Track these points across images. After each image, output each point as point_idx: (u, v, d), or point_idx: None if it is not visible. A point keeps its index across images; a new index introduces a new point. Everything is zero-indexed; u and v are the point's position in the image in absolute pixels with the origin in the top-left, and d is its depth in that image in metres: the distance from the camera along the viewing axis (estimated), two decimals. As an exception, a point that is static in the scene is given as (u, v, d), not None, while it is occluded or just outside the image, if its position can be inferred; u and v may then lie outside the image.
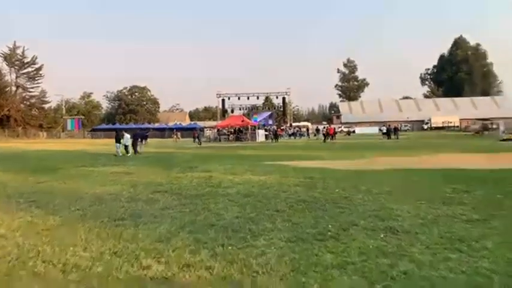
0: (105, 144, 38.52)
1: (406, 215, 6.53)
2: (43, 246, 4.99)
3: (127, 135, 23.30)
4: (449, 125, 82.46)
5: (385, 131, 42.54)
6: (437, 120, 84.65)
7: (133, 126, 73.44)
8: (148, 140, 42.65)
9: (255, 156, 20.64)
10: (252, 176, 11.92)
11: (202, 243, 5.07)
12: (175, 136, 47.95)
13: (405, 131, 73.23)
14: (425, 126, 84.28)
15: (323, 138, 38.66)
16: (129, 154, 22.35)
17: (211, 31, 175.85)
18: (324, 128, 41.92)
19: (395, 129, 42.91)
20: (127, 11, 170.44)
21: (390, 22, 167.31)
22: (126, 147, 22.74)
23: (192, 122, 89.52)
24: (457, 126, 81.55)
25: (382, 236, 5.38)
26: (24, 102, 72.60)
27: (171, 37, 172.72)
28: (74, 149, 31.21)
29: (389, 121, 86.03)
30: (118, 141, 22.62)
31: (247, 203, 7.67)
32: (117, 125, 79.17)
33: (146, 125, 74.82)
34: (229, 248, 4.86)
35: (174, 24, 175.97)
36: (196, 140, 40.83)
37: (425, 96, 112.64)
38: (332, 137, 39.75)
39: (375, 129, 75.09)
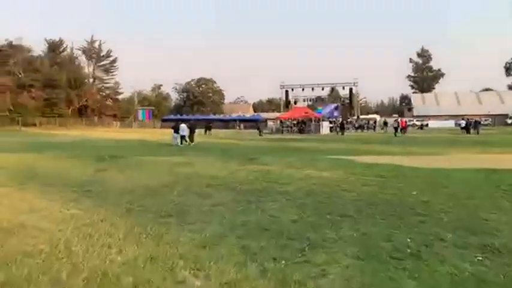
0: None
1: (505, 229, 5.20)
2: (76, 246, 4.52)
3: (183, 126, 23.29)
4: (537, 119, 73.84)
5: (463, 125, 38.72)
6: (522, 114, 76.14)
7: (200, 117, 75.18)
8: (213, 130, 43.36)
9: (318, 149, 19.51)
10: (313, 171, 10.93)
11: (251, 254, 4.28)
12: (238, 127, 48.04)
13: (485, 125, 66.78)
14: (510, 121, 76.17)
15: (394, 132, 36.13)
16: (186, 143, 22.40)
17: (275, 20, 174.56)
18: (395, 120, 39.10)
19: (476, 123, 38.90)
20: (197, 8, 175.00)
21: (467, 5, 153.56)
22: (183, 137, 22.83)
23: (255, 114, 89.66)
24: (546, 120, 72.84)
25: (479, 257, 4.19)
26: (100, 93, 77.50)
27: (236, 28, 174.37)
28: (142, 138, 32.23)
29: (467, 115, 79.40)
30: (176, 131, 22.80)
31: (307, 204, 6.75)
32: (184, 116, 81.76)
33: (211, 116, 76.28)
34: (283, 262, 4.01)
35: (239, 16, 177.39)
36: (258, 131, 40.55)
37: (510, 88, 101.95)
38: (403, 130, 37.05)
39: (450, 123, 69.50)
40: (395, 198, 7.15)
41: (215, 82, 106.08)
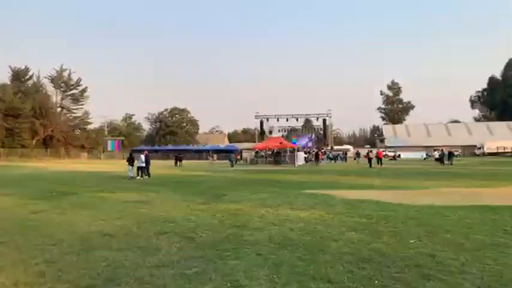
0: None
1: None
2: None
3: (142, 157, 21.48)
4: (505, 150, 75.74)
5: (437, 156, 38.47)
6: (491, 146, 77.92)
7: (171, 147, 73.11)
8: (184, 161, 41.47)
9: (295, 182, 18.07)
10: (290, 211, 9.40)
11: None
12: (211, 158, 46.29)
13: (456, 156, 67.72)
14: (478, 152, 77.89)
15: (368, 163, 35.29)
16: (140, 177, 20.61)
17: (249, 53, 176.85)
18: (371, 151, 38.38)
19: (450, 154, 38.72)
20: (168, 37, 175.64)
21: (434, 44, 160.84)
22: (141, 169, 20.95)
23: (230, 144, 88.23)
24: (513, 152, 74.85)
25: None
26: (68, 123, 74.29)
27: (211, 59, 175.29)
28: (106, 170, 29.95)
29: (437, 146, 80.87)
30: (131, 163, 20.82)
31: (282, 262, 5.17)
32: (156, 147, 79.32)
33: (183, 147, 74.26)
34: None
35: (215, 46, 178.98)
36: (230, 162, 38.97)
37: (477, 120, 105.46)
38: (379, 161, 36.29)
39: (421, 154, 70.15)
40: (392, 251, 5.68)
41: (189, 112, 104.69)
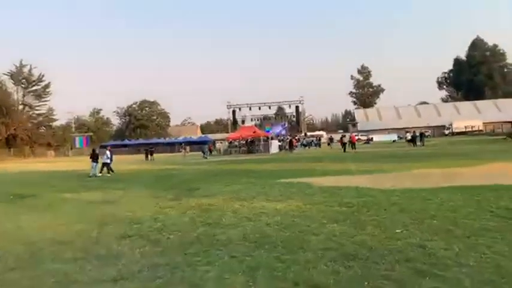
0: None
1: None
2: None
3: (108, 152, 20.46)
4: (473, 129, 78.12)
5: (409, 137, 38.89)
6: (459, 125, 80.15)
7: (142, 141, 71.27)
8: (156, 155, 40.23)
9: (270, 171, 17.54)
10: (266, 203, 8.82)
11: None
12: (183, 150, 45.14)
13: (426, 137, 69.26)
14: (447, 132, 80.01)
15: (342, 148, 35.29)
16: (107, 174, 19.66)
17: (220, 41, 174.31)
18: (345, 136, 38.40)
19: (422, 135, 39.27)
20: (134, 24, 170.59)
21: (400, 27, 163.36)
22: (104, 165, 19.96)
23: (203, 135, 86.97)
24: (481, 131, 77.27)
25: None
26: (32, 120, 70.83)
27: (181, 49, 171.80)
28: (73, 168, 28.50)
29: (407, 127, 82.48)
30: (95, 159, 19.75)
31: (259, 265, 4.58)
32: (126, 141, 77.15)
33: (154, 140, 72.53)
34: None
35: (183, 35, 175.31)
36: (202, 154, 38.15)
37: (444, 101, 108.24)
38: (353, 146, 36.36)
39: (393, 137, 71.35)
40: (379, 243, 5.19)
41: (159, 104, 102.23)
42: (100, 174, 19.62)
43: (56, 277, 4.57)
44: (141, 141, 72.05)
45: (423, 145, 37.60)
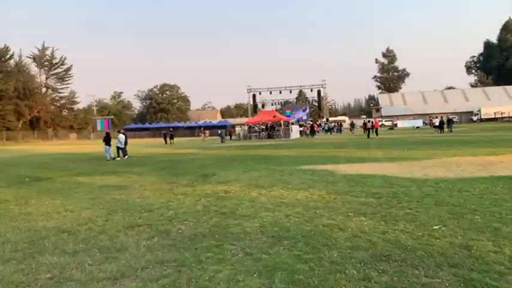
0: (132, 145, 36.02)
1: None
2: None
3: (121, 136, 20.19)
4: (503, 115, 74.87)
5: (437, 123, 37.32)
6: (488, 111, 76.93)
7: (162, 125, 71.55)
8: (175, 139, 40.13)
9: (290, 157, 16.88)
10: (285, 191, 8.21)
11: None
12: (203, 135, 44.92)
13: (454, 123, 66.88)
14: (475, 118, 77.08)
15: (367, 133, 34.19)
16: (119, 158, 19.50)
17: (240, 25, 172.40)
18: (369, 121, 37.18)
19: (450, 121, 37.64)
20: (155, 11, 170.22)
21: (425, 9, 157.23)
22: (119, 149, 19.75)
23: (223, 120, 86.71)
24: (510, 117, 74.00)
25: None
26: (54, 103, 72.08)
27: (201, 34, 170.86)
28: (92, 151, 28.55)
29: (434, 113, 79.93)
30: (108, 143, 19.53)
31: (277, 265, 3.99)
32: (147, 125, 77.70)
33: (175, 124, 72.73)
34: None
35: (201, 21, 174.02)
36: (220, 138, 37.85)
37: (473, 86, 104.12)
38: (376, 131, 35.16)
39: (418, 122, 69.20)
40: (415, 242, 4.51)
41: (179, 88, 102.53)
42: (118, 158, 19.43)
43: (52, 272, 4.12)
44: (161, 124, 72.35)
45: (451, 131, 36.09)
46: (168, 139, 37.07)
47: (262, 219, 5.89)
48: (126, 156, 19.61)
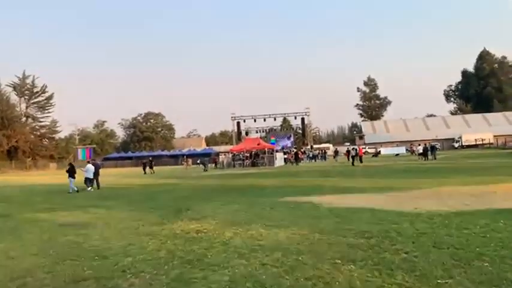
0: (109, 175, 34.58)
1: None
2: None
3: (90, 166, 19.28)
4: (483, 142, 75.92)
5: (421, 150, 37.07)
6: (469, 138, 77.99)
7: (145, 154, 70.17)
8: (157, 167, 38.88)
9: (274, 187, 15.99)
10: (264, 230, 7.29)
11: None
12: (185, 163, 43.77)
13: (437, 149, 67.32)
14: (456, 145, 77.87)
15: (351, 161, 33.67)
16: (89, 189, 18.49)
17: (225, 55, 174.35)
18: (353, 148, 36.76)
19: (433, 148, 37.48)
20: (139, 38, 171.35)
21: (403, 40, 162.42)
22: (87, 180, 18.66)
23: (207, 147, 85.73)
24: (491, 144, 75.10)
25: None
26: (34, 132, 70.12)
27: (186, 63, 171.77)
28: (66, 182, 27.07)
29: (416, 140, 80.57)
30: (71, 175, 18.46)
31: None
32: (130, 153, 76.11)
33: (158, 152, 71.42)
34: None
35: (185, 49, 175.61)
36: (202, 166, 36.83)
37: (453, 114, 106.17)
38: (360, 159, 34.65)
39: (401, 150, 69.40)
40: (419, 302, 3.65)
41: (164, 116, 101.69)
42: (89, 189, 18.33)
43: None
44: (144, 153, 70.91)
45: (435, 158, 35.85)
46: (147, 168, 35.64)
47: (233, 269, 4.94)
48: (90, 188, 18.56)
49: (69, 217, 10.37)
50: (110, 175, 35.86)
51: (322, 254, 5.44)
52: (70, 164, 19.58)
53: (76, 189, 18.04)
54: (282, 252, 5.60)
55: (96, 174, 19.66)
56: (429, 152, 36.32)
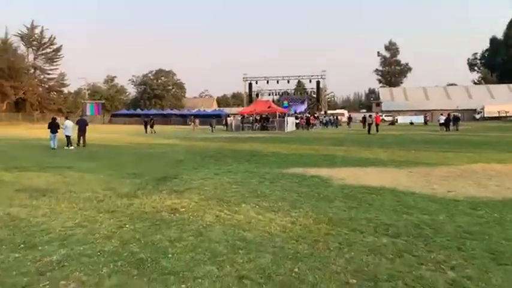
0: (112, 132, 33.38)
1: None
2: None
3: (69, 123, 17.96)
4: (507, 114, 72.30)
5: (442, 120, 34.62)
6: (491, 110, 74.25)
7: (154, 112, 68.80)
8: (165, 127, 37.47)
9: (279, 155, 14.29)
10: (256, 214, 5.64)
11: None
12: (192, 123, 42.19)
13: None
14: (478, 116, 74.40)
15: (367, 129, 31.62)
16: (71, 147, 17.16)
17: (241, 12, 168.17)
18: (370, 116, 34.54)
19: (456, 119, 35.04)
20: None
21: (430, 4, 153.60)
22: (67, 137, 17.43)
23: (217, 109, 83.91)
24: (515, 116, 71.55)
25: None
26: (42, 85, 68.78)
27: (199, 20, 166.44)
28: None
29: (435, 110, 77.34)
30: (54, 130, 17.18)
31: None
32: (139, 111, 74.79)
33: (167, 111, 70.02)
34: None
35: (201, 7, 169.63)
36: (211, 127, 35.33)
37: (476, 83, 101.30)
38: (376, 127, 32.51)
39: (419, 119, 66.58)
40: None
41: (175, 74, 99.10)
42: (72, 148, 17.06)
43: None
44: (152, 111, 69.48)
45: (457, 130, 33.56)
46: (148, 128, 33.75)
47: (195, 284, 3.32)
48: (71, 146, 17.22)
49: (35, 179, 8.90)
50: (112, 132, 34.76)
51: (328, 263, 3.77)
52: (53, 118, 18.12)
53: (54, 145, 16.93)
54: (272, 257, 3.94)
55: (82, 131, 18.40)
56: (451, 123, 34.02)
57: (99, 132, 34.52)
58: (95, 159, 13.12)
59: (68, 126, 17.73)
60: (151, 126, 33.50)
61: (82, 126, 18.66)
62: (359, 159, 12.59)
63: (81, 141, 18.36)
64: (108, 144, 19.58)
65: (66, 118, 19.77)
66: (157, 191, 7.35)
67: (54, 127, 17.15)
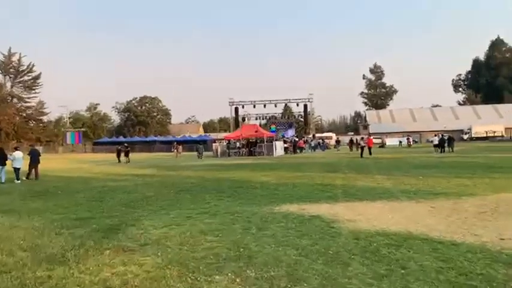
0: (86, 161, 30.98)
1: None
2: None
3: (18, 153, 16.26)
4: (495, 134, 72.10)
5: (436, 141, 33.14)
6: (479, 130, 74.16)
7: (137, 139, 66.45)
8: (146, 154, 35.19)
9: (268, 186, 12.22)
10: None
11: None
12: (175, 150, 40.01)
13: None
14: (465, 137, 73.96)
15: (359, 152, 29.87)
16: (18, 181, 15.33)
17: (226, 39, 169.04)
18: (362, 138, 32.88)
19: (451, 140, 33.63)
20: (137, 17, 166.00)
21: (415, 28, 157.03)
22: (16, 170, 15.67)
23: (203, 134, 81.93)
24: (503, 136, 71.42)
25: None
26: (20, 113, 66.08)
27: (187, 46, 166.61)
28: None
29: (423, 131, 76.73)
30: (1, 162, 15.44)
31: None
32: (122, 138, 72.31)
33: (150, 138, 67.73)
34: None
35: (188, 32, 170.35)
36: (198, 154, 33.17)
37: (461, 104, 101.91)
38: (369, 150, 30.69)
39: (404, 140, 65.51)
40: None
41: (160, 101, 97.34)
42: (18, 182, 15.25)
43: None
44: (136, 138, 67.19)
45: (452, 151, 32.12)
46: (122, 156, 30.67)
47: None
48: (19, 181, 15.37)
49: None
50: (85, 161, 32.38)
51: None
52: (1, 150, 16.06)
53: (2, 180, 15.14)
54: None
55: (35, 162, 16.64)
56: (445, 144, 32.57)
57: (72, 161, 32.14)
58: (42, 197, 10.87)
59: (17, 158, 15.61)
60: (126, 155, 30.62)
61: (34, 156, 16.74)
62: (362, 190, 10.59)
63: (33, 174, 16.25)
64: (69, 176, 17.38)
65: (16, 149, 17.62)
66: (98, 251, 5.20)
67: (1, 159, 15.04)
